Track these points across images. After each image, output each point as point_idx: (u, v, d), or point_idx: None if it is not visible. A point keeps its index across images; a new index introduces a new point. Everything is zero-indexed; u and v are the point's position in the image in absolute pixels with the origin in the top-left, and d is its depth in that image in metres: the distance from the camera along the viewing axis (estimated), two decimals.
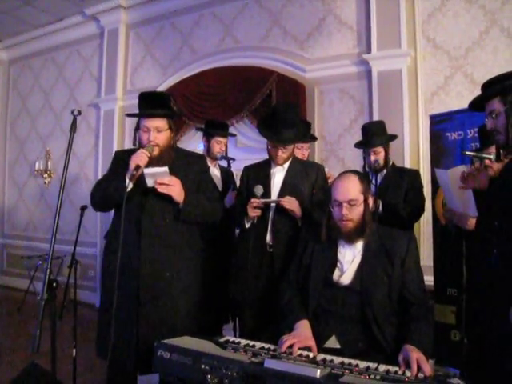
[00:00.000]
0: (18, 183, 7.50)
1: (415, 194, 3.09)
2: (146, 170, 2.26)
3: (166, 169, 2.26)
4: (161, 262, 2.36)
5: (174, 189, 2.30)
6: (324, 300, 2.07)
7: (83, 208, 3.64)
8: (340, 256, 2.12)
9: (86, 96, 6.61)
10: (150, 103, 2.41)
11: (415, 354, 1.69)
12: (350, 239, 2.09)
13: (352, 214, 2.06)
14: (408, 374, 1.60)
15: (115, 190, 2.33)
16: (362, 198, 2.07)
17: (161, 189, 2.27)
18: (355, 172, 2.20)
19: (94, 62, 6.57)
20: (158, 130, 2.38)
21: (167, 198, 2.32)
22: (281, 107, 2.69)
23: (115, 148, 5.95)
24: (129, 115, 2.65)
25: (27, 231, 7.31)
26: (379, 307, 1.97)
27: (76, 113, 1.97)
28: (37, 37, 7.15)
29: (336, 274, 2.08)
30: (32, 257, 6.25)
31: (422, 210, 3.12)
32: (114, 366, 2.34)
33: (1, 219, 7.66)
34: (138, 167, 2.24)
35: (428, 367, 1.64)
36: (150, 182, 2.29)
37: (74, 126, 1.95)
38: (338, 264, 2.11)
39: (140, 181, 2.30)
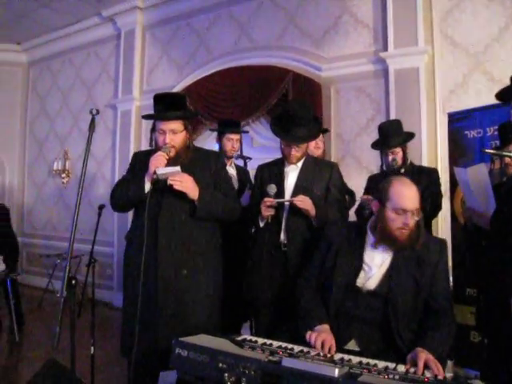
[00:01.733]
0: (37, 183, 7.62)
1: (432, 192, 3.05)
2: (159, 171, 2.26)
3: (177, 168, 2.27)
4: (178, 259, 2.37)
5: (187, 185, 2.30)
6: (346, 303, 2.03)
7: (101, 207, 3.69)
8: (367, 259, 2.05)
9: (103, 97, 6.67)
10: (165, 105, 2.41)
11: (424, 355, 1.67)
12: (403, 248, 1.98)
13: (413, 223, 1.94)
14: (427, 374, 1.58)
15: (134, 192, 2.37)
16: (420, 208, 1.97)
17: (175, 185, 2.27)
18: (407, 177, 2.08)
19: (111, 63, 6.63)
20: (174, 132, 2.39)
21: (184, 197, 2.33)
22: (293, 105, 2.68)
23: (132, 148, 6.01)
24: (144, 117, 2.66)
25: (46, 230, 7.42)
26: (403, 314, 1.93)
27: (94, 112, 1.99)
28: (55, 39, 7.26)
29: (361, 279, 2.03)
30: (51, 255, 6.35)
31: (439, 207, 3.10)
32: (136, 364, 2.36)
33: (20, 218, 7.78)
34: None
35: (440, 369, 1.62)
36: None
37: (92, 126, 1.99)
38: (365, 267, 2.04)
39: (157, 180, 2.32)
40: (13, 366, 3.85)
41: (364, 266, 2.04)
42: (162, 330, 2.30)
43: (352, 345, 1.96)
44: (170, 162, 2.34)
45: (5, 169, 7.72)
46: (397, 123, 3.26)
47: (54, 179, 7.26)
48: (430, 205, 3.00)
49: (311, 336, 1.88)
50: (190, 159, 2.46)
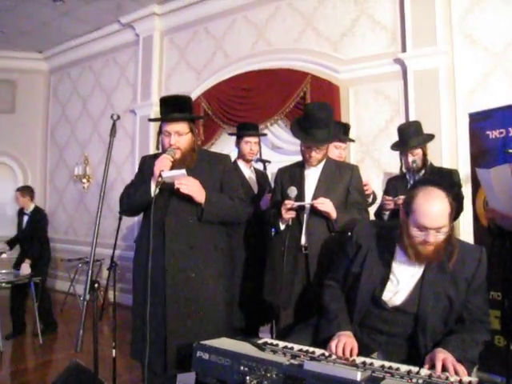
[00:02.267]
0: (59, 188, 7.74)
1: (454, 193, 3.00)
2: (165, 174, 2.27)
3: (183, 171, 2.27)
4: (185, 263, 2.37)
5: (193, 188, 2.30)
6: (371, 315, 1.96)
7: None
8: (396, 272, 1.91)
9: (122, 102, 6.76)
10: (170, 107, 2.42)
11: (442, 355, 1.63)
12: (429, 263, 1.85)
13: (439, 241, 1.78)
14: (452, 378, 1.55)
15: (141, 196, 2.38)
16: (449, 223, 1.78)
17: (182, 189, 2.27)
18: (442, 188, 1.82)
19: (129, 68, 6.72)
20: (179, 134, 2.40)
21: (190, 200, 2.33)
22: (313, 107, 2.65)
23: (151, 153, 6.04)
24: (151, 120, 2.69)
25: (67, 235, 7.53)
26: (433, 331, 1.83)
27: (115, 117, 2.01)
28: (75, 46, 7.40)
29: (388, 292, 1.91)
30: (72, 260, 6.44)
31: (461, 209, 3.06)
32: (149, 367, 2.36)
33: None
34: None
35: (459, 370, 1.58)
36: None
37: (113, 131, 2.00)
38: (393, 278, 1.91)
39: (163, 183, 2.31)
40: (37, 367, 3.91)
41: (392, 277, 1.91)
42: (172, 332, 2.30)
43: (375, 356, 1.90)
44: (176, 165, 2.35)
45: (27, 174, 7.87)
46: (416, 124, 3.23)
47: (74, 184, 7.37)
48: None
49: (331, 344, 1.83)
50: (197, 161, 2.46)
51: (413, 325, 1.86)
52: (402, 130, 3.19)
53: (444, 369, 1.61)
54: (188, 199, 2.34)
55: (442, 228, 1.76)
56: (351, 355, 1.78)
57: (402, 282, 1.89)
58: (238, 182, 2.80)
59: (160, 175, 2.25)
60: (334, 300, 2.07)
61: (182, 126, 2.41)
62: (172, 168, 2.33)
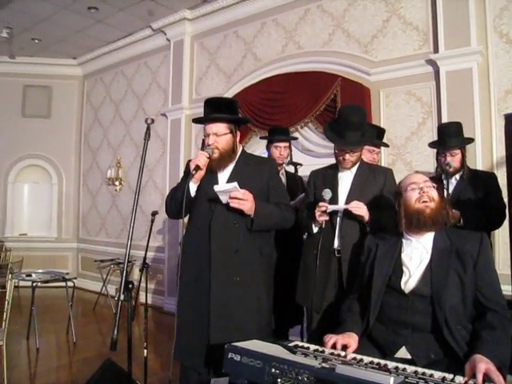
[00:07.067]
0: (92, 191, 7.92)
1: (497, 200, 2.92)
2: (217, 188, 2.29)
3: (235, 184, 2.26)
4: (230, 267, 2.37)
5: (246, 203, 2.30)
6: (390, 308, 1.99)
7: (154, 214, 3.76)
8: (405, 259, 2.03)
9: (153, 106, 6.86)
10: (211, 108, 2.45)
11: (484, 365, 1.58)
12: (433, 224, 1.98)
13: (433, 194, 2.00)
14: None
15: (181, 193, 2.40)
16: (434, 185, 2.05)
17: (233, 204, 2.28)
18: None
19: (161, 73, 6.81)
20: (217, 135, 2.41)
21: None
22: (346, 110, 2.64)
23: (182, 156, 6.14)
24: (194, 121, 2.72)
25: (100, 236, 7.69)
26: (452, 312, 1.85)
27: (149, 121, 2.04)
28: (107, 52, 7.56)
29: (403, 281, 1.99)
30: (104, 260, 6.57)
31: (504, 216, 2.90)
32: (188, 369, 2.41)
33: (77, 225, 8.12)
34: (197, 167, 2.31)
35: (501, 380, 1.54)
36: (224, 199, 2.33)
37: (147, 134, 2.03)
38: (404, 269, 2.01)
39: (207, 188, 2.36)
40: (71, 365, 4.01)
41: (403, 267, 2.02)
42: (214, 336, 2.31)
43: (403, 352, 1.90)
44: (213, 163, 2.39)
45: (62, 177, 8.09)
46: (457, 125, 3.15)
47: (107, 187, 7.52)
48: (493, 213, 2.89)
49: (325, 338, 1.92)
50: (241, 164, 2.48)
51: (431, 310, 1.88)
52: (442, 129, 3.13)
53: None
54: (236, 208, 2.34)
55: (428, 182, 2.03)
56: (344, 351, 1.82)
57: (412, 268, 1.99)
58: (284, 187, 2.79)
59: (195, 169, 2.29)
60: (347, 310, 2.15)
61: (220, 127, 2.43)
62: (210, 166, 2.37)
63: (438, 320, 1.85)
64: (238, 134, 2.54)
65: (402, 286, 1.97)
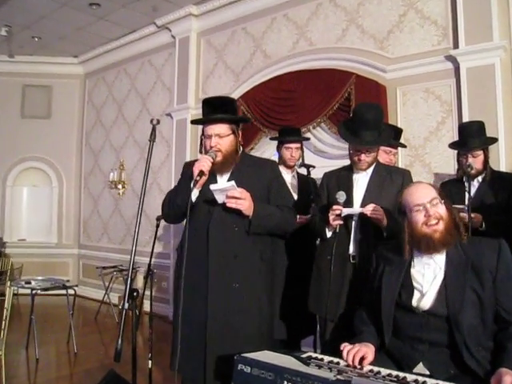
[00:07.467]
0: (93, 194, 7.80)
1: None
2: (213, 187, 2.23)
3: (232, 183, 2.21)
4: (229, 272, 2.31)
5: (244, 203, 2.23)
6: (404, 324, 1.91)
7: (159, 218, 3.62)
8: (417, 275, 1.93)
9: (158, 106, 6.76)
10: (211, 108, 2.39)
11: (510, 378, 1.54)
12: (443, 246, 1.85)
13: (440, 212, 1.86)
14: None
15: (182, 199, 2.32)
16: (440, 198, 1.90)
17: (229, 203, 2.21)
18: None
19: (165, 71, 6.71)
20: (220, 136, 2.35)
21: (237, 210, 2.27)
22: (362, 108, 2.57)
23: (188, 158, 6.01)
24: (193, 122, 2.65)
25: (102, 242, 7.58)
26: (471, 334, 1.76)
27: (155, 122, 1.99)
28: (110, 50, 7.48)
29: (415, 298, 1.90)
30: (106, 267, 6.47)
31: None
32: (187, 380, 2.38)
33: (78, 230, 8.00)
34: (201, 173, 2.21)
35: None
36: (220, 199, 2.26)
37: (153, 136, 1.99)
38: (416, 285, 1.92)
39: (206, 190, 2.28)
40: (71, 376, 3.93)
41: (414, 283, 1.92)
42: (211, 345, 2.25)
43: (421, 368, 1.82)
44: (217, 167, 2.33)
45: (62, 180, 7.98)
46: (479, 124, 3.06)
47: (109, 190, 7.40)
48: None
49: (343, 350, 1.83)
50: (241, 166, 2.42)
51: (448, 328, 1.81)
52: (463, 129, 3.04)
53: None
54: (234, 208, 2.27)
55: (434, 199, 1.88)
56: (361, 363, 1.76)
57: (425, 285, 1.90)
58: (287, 189, 2.74)
59: (199, 175, 2.20)
60: (361, 322, 2.09)
61: (223, 128, 2.36)
62: (212, 170, 2.29)
63: (457, 341, 1.78)
64: (240, 134, 2.48)
65: (414, 304, 1.90)
